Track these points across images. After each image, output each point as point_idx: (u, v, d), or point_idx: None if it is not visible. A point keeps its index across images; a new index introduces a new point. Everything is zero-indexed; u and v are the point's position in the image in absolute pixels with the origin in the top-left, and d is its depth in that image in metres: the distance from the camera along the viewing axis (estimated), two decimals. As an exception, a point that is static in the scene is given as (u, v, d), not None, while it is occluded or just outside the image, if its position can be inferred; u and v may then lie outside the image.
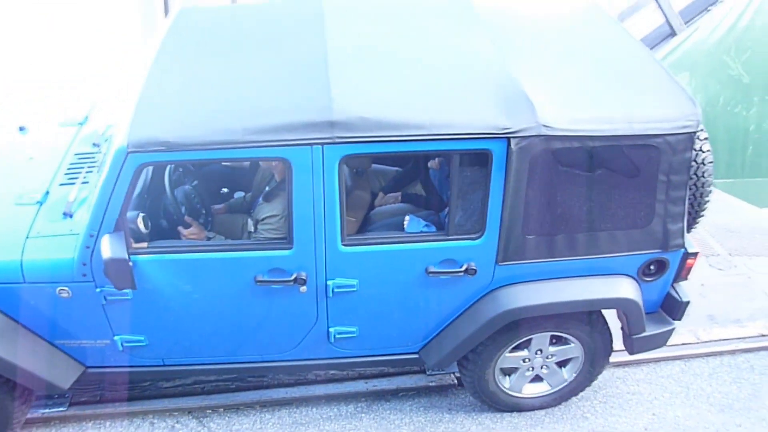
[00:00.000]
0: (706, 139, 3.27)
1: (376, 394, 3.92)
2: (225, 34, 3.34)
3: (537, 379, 3.64)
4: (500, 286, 3.12)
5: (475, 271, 3.01)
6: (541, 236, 3.00)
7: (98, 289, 2.91)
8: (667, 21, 8.91)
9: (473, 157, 2.86)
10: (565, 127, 2.78)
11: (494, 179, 2.84)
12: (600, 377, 3.87)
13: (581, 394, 3.82)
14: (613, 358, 3.85)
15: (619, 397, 3.96)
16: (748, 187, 8.62)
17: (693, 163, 3.24)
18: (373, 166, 3.89)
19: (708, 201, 3.32)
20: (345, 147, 2.71)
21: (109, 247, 2.69)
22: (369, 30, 3.30)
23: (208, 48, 3.22)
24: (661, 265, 3.19)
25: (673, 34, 8.86)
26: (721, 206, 6.82)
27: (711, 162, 3.27)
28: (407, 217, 3.18)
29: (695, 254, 3.18)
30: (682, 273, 3.25)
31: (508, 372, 3.57)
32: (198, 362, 3.28)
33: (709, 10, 8.85)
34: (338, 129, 2.67)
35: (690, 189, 3.27)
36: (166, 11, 8.55)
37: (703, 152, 3.25)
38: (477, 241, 2.98)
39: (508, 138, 2.75)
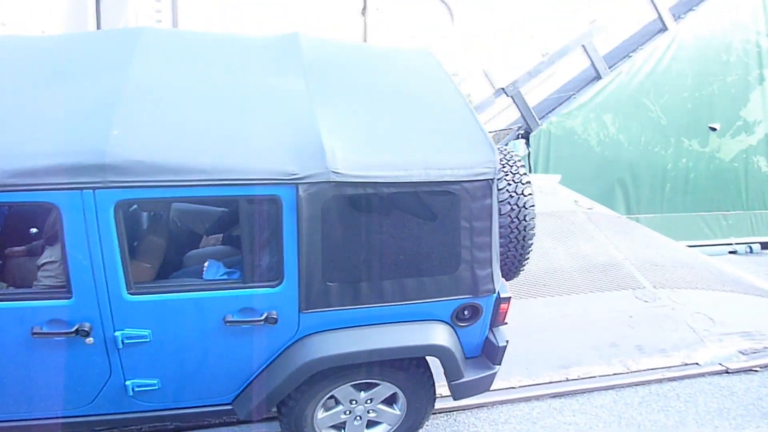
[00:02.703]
0: (528, 183, 3.21)
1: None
2: (21, 65, 3.15)
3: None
4: (308, 335, 2.99)
5: (276, 320, 2.87)
6: (344, 283, 2.88)
7: None
8: (593, 65, 9.14)
9: (263, 203, 2.74)
10: (356, 173, 2.70)
11: (286, 226, 2.74)
12: (537, 409, 3.97)
13: (520, 426, 3.85)
14: (550, 389, 3.92)
15: (556, 428, 3.96)
16: (668, 222, 8.78)
17: (515, 207, 3.17)
18: (199, 206, 3.77)
19: (532, 244, 3.23)
20: (119, 192, 2.58)
21: None
22: (179, 69, 3.17)
23: None
24: (474, 311, 3.08)
25: (598, 77, 9.09)
26: (645, 241, 6.91)
27: (533, 206, 3.20)
28: (206, 263, 3.05)
29: (508, 299, 3.09)
30: (498, 317, 3.15)
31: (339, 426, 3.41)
32: None
33: (630, 56, 9.11)
34: (110, 173, 2.55)
35: (513, 232, 3.20)
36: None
37: (525, 196, 3.18)
38: (276, 289, 2.85)
39: (296, 184, 2.66)
